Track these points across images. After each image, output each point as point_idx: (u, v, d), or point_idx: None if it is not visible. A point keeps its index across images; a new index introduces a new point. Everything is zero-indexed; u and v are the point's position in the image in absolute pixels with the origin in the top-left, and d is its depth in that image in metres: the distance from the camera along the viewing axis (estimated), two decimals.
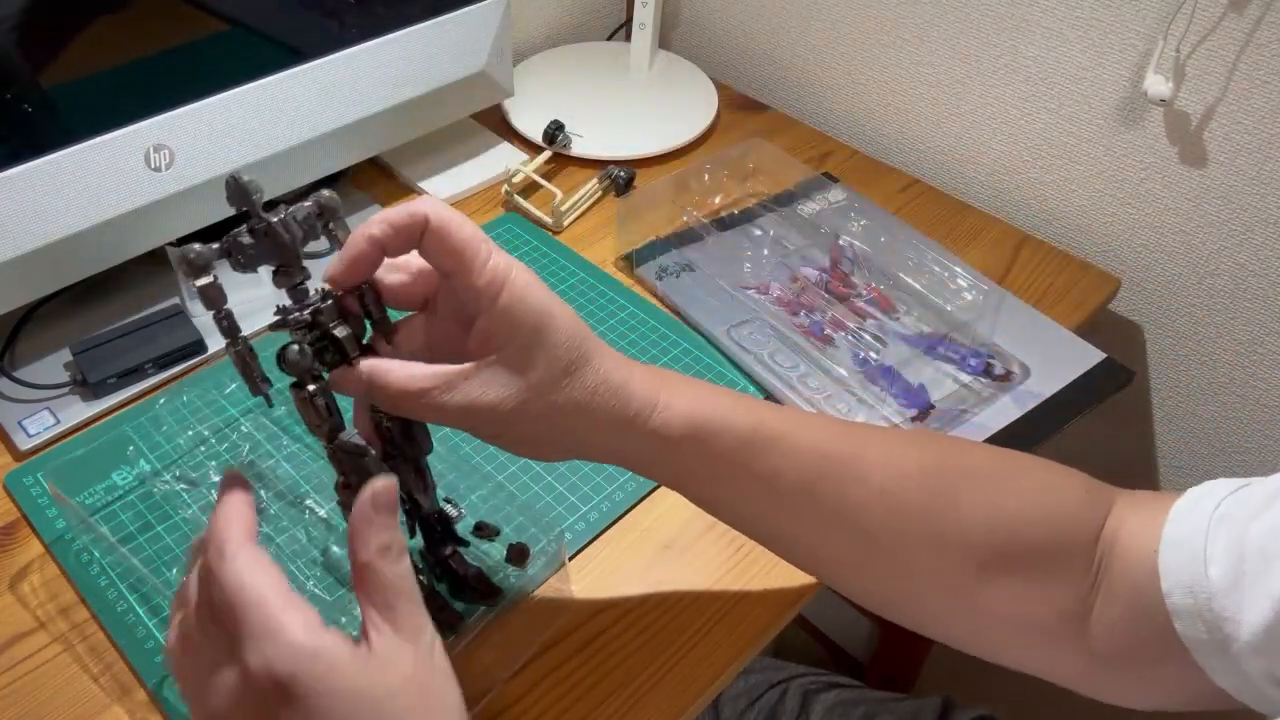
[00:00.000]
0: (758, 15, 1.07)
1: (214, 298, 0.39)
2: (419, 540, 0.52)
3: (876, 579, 0.49)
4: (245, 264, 0.39)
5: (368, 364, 0.42)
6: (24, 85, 0.63)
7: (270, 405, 0.41)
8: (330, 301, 0.41)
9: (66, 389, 0.69)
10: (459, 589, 0.49)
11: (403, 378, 0.42)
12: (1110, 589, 0.45)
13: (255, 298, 0.77)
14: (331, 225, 0.43)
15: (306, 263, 0.42)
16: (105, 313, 0.75)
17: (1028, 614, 0.47)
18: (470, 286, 0.41)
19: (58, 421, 0.68)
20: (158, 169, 0.68)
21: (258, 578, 0.35)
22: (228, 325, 0.40)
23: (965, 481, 0.48)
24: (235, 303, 0.77)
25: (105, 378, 0.69)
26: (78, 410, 0.69)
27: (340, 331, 0.41)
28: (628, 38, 1.07)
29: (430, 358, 0.43)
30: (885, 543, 0.47)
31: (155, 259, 0.77)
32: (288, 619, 0.34)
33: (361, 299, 0.42)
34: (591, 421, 0.44)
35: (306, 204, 0.41)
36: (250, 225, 0.39)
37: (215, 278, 0.39)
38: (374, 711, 0.34)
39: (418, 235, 0.41)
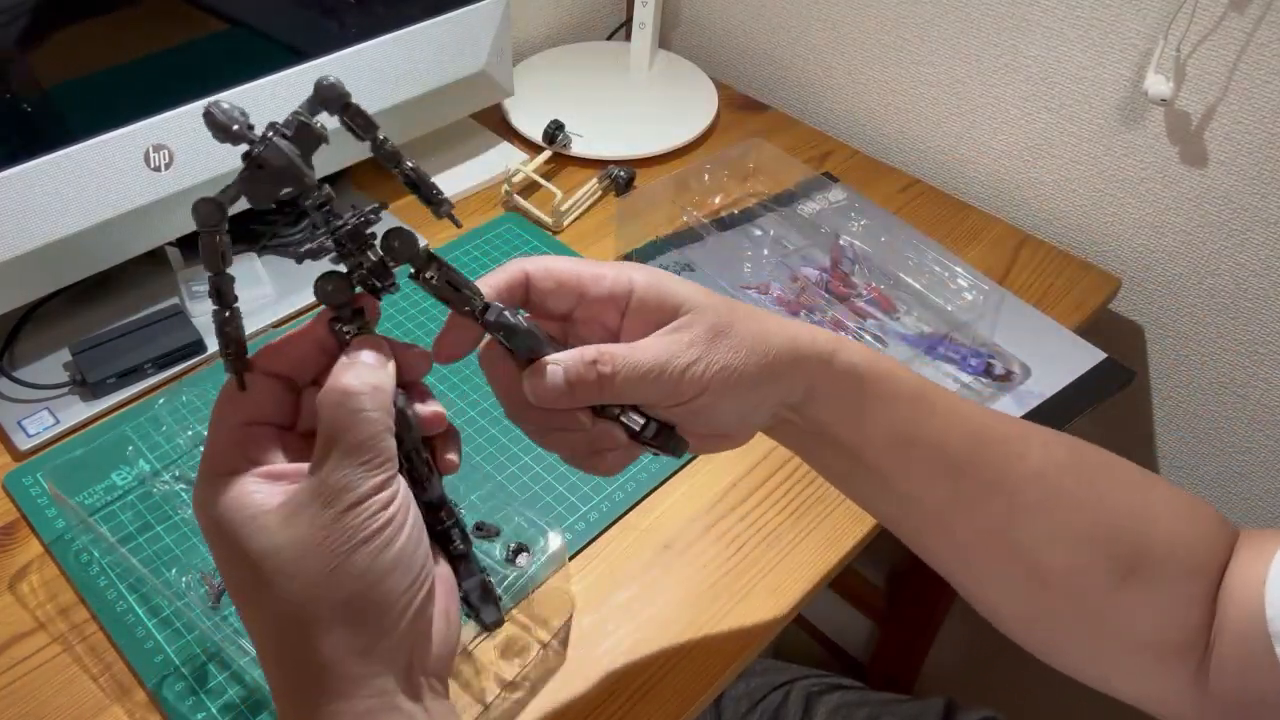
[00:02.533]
0: (758, 15, 1.07)
1: (213, 259, 0.35)
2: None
3: (1010, 571, 0.46)
4: (257, 198, 0.35)
5: (529, 381, 0.39)
6: (24, 85, 0.63)
7: (242, 389, 0.36)
8: (360, 219, 0.37)
9: (66, 389, 0.69)
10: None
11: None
12: (1221, 627, 0.44)
13: (256, 297, 0.77)
14: (347, 115, 0.38)
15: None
16: (105, 313, 0.75)
17: (1154, 633, 0.45)
18: (598, 300, 0.40)
19: (57, 421, 0.68)
20: (157, 169, 0.68)
21: (218, 407, 0.36)
22: (221, 295, 0.36)
23: (1116, 484, 0.46)
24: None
25: (105, 378, 0.69)
26: (77, 410, 0.69)
27: (372, 257, 0.37)
28: (628, 38, 1.07)
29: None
30: (1033, 530, 0.44)
31: (155, 259, 0.77)
32: (210, 450, 0.35)
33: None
34: (772, 362, 0.41)
35: (298, 110, 0.36)
36: (244, 157, 0.35)
37: (224, 238, 0.35)
38: (233, 562, 0.34)
39: (521, 293, 0.40)
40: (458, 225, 0.40)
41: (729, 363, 0.39)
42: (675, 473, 0.68)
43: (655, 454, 0.42)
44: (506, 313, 0.38)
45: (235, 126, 0.34)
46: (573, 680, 0.57)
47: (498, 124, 0.98)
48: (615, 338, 0.41)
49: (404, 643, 0.34)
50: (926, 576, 1.14)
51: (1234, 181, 0.79)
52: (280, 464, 0.35)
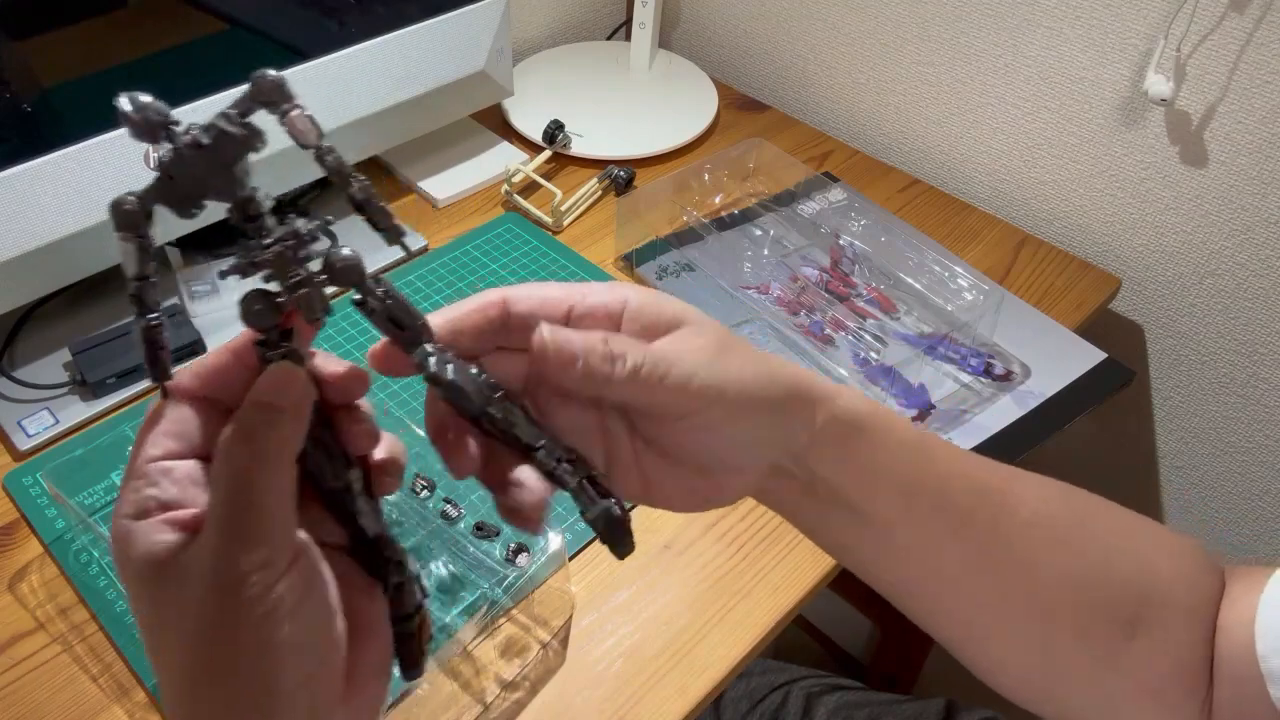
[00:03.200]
0: (758, 15, 1.07)
1: (134, 262, 0.31)
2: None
3: (1017, 624, 0.44)
4: (177, 206, 0.31)
5: (548, 328, 0.35)
6: (24, 85, 0.63)
7: (165, 396, 0.32)
8: (290, 237, 0.33)
9: (66, 389, 0.69)
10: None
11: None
12: (1219, 668, 0.44)
13: None
14: (283, 112, 0.33)
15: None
16: (104, 313, 0.75)
17: (1162, 679, 0.44)
18: (588, 315, 0.37)
19: (57, 421, 0.68)
20: (157, 169, 0.68)
21: (139, 437, 0.32)
22: (141, 300, 0.32)
23: (1111, 529, 0.45)
24: (234, 301, 0.77)
25: (104, 378, 0.69)
26: (77, 410, 0.69)
27: (303, 289, 0.32)
28: (628, 37, 1.07)
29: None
30: (1038, 580, 0.43)
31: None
32: (123, 489, 0.31)
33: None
34: (781, 388, 0.38)
35: (229, 109, 0.32)
36: (160, 160, 0.31)
37: (149, 237, 0.31)
38: (140, 602, 0.31)
39: (496, 315, 0.36)
40: (408, 252, 0.35)
41: (740, 378, 0.36)
42: None
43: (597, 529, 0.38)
44: (434, 360, 0.33)
45: (147, 125, 0.30)
46: (573, 680, 0.56)
47: (498, 124, 0.98)
48: None
49: (318, 716, 0.31)
50: None
51: (1234, 181, 0.79)
52: (188, 511, 0.31)
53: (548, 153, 0.93)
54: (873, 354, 0.75)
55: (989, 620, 0.44)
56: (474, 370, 0.34)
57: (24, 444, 0.66)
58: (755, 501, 0.65)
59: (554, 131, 0.93)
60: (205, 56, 0.71)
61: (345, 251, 0.32)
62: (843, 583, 1.28)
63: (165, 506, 0.31)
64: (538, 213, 0.87)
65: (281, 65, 0.72)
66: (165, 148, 0.31)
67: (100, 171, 0.66)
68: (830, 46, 1.02)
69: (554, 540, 0.58)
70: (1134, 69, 0.81)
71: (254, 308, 0.32)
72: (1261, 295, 0.81)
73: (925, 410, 0.72)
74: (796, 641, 1.44)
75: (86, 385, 0.69)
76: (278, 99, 0.32)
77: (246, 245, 0.32)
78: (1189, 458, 0.93)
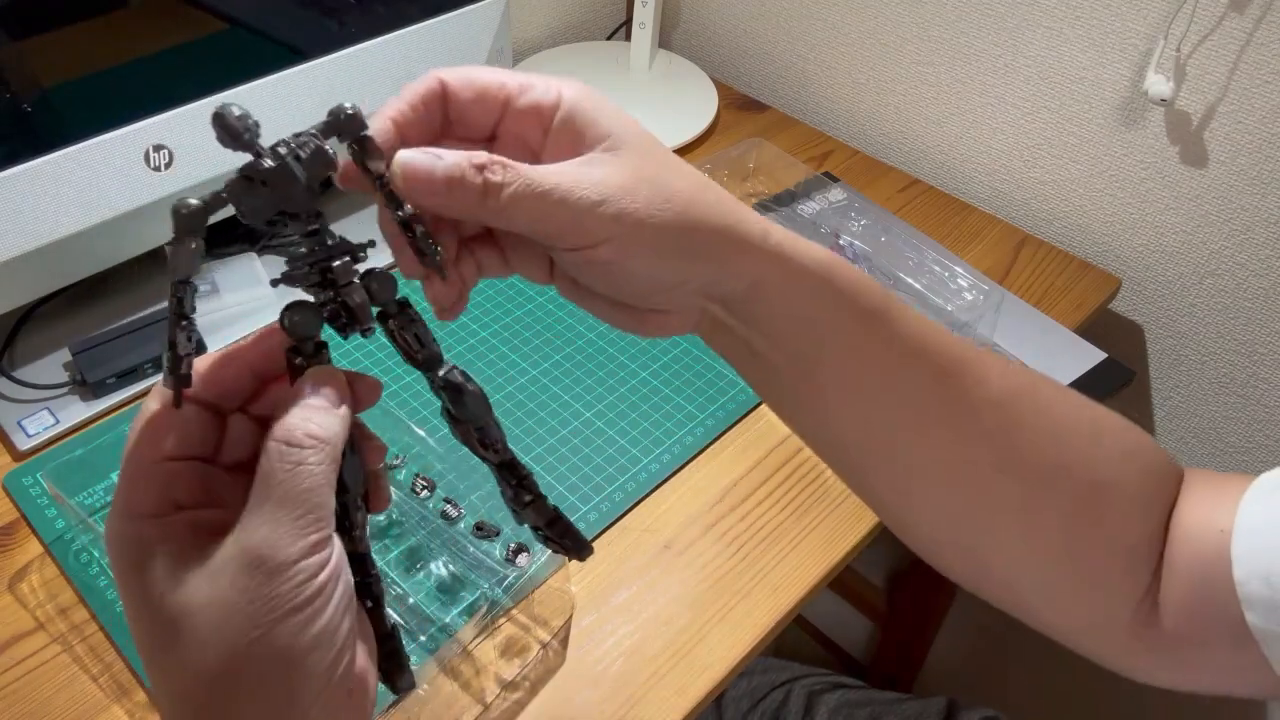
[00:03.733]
0: (758, 15, 1.07)
1: (188, 264, 0.32)
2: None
3: (954, 499, 0.43)
4: (250, 214, 0.32)
5: (404, 154, 0.34)
6: (24, 85, 0.63)
7: (178, 406, 0.32)
8: (345, 259, 0.34)
9: (66, 389, 0.69)
10: (544, 539, 0.42)
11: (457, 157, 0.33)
12: (1172, 565, 0.43)
13: (256, 297, 0.77)
14: (360, 147, 0.35)
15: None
16: (105, 313, 0.75)
17: (1100, 568, 0.44)
18: (523, 112, 0.35)
19: (57, 421, 0.68)
20: (157, 169, 0.68)
21: (136, 439, 0.32)
22: (182, 303, 0.32)
23: (1069, 418, 0.44)
24: (235, 302, 0.77)
25: (104, 378, 0.69)
26: (77, 410, 0.69)
27: (355, 298, 0.34)
28: (628, 37, 1.07)
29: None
30: (987, 457, 0.42)
31: (155, 259, 0.77)
32: (124, 490, 0.31)
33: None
34: (698, 232, 0.35)
35: (312, 131, 0.34)
36: (246, 170, 0.32)
37: (201, 244, 0.32)
38: (149, 613, 0.30)
39: (438, 107, 0.35)
40: (444, 277, 0.36)
41: (643, 215, 0.33)
42: (675, 473, 0.68)
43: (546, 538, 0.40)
44: (457, 371, 0.36)
45: (246, 135, 0.32)
46: (573, 680, 0.56)
47: None
48: (537, 161, 0.35)
49: (326, 714, 0.31)
50: (926, 576, 1.14)
51: (1234, 181, 0.79)
52: (206, 512, 0.32)
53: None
54: None
55: (924, 491, 0.43)
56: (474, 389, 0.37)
57: (24, 444, 0.66)
58: (755, 501, 0.65)
59: None
60: (205, 56, 0.71)
61: (384, 271, 0.34)
62: (843, 583, 1.28)
63: (177, 506, 0.31)
64: None
65: (282, 65, 0.72)
66: (249, 158, 0.32)
67: (100, 171, 0.66)
68: (830, 46, 1.02)
69: None
70: (1134, 69, 0.81)
71: (295, 318, 0.33)
72: (1261, 295, 0.81)
73: None
74: (796, 641, 1.44)
75: (86, 385, 0.69)
76: (355, 130, 0.34)
77: (298, 254, 0.33)
78: (1189, 458, 0.93)
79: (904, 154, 1.01)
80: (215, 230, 0.66)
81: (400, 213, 0.34)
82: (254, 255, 0.80)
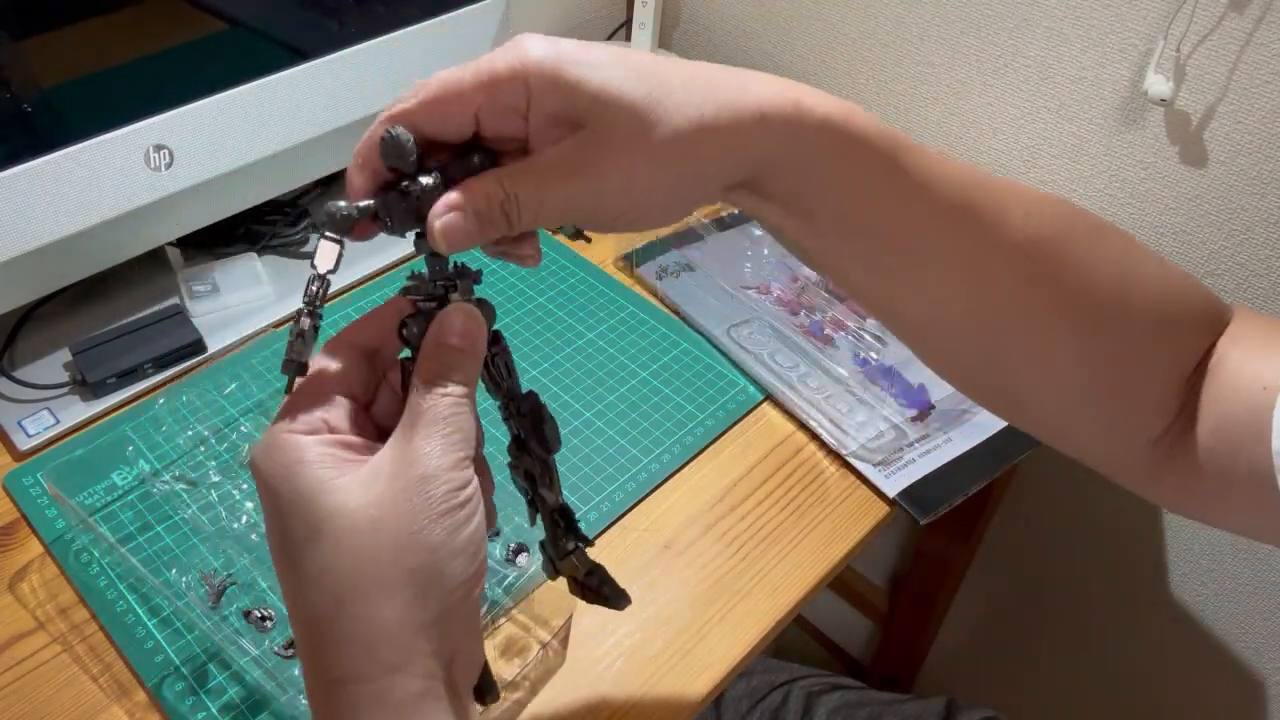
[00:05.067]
0: (758, 15, 1.07)
1: (334, 261, 0.36)
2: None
3: (978, 336, 0.43)
4: (393, 226, 0.36)
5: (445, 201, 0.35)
6: (24, 85, 0.63)
7: (289, 391, 0.36)
8: (463, 281, 0.38)
9: (66, 389, 0.69)
10: (580, 589, 0.44)
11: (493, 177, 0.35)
12: (1208, 407, 0.43)
13: (255, 297, 0.77)
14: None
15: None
16: (105, 313, 0.75)
17: (1123, 393, 0.44)
18: (495, 119, 0.36)
19: (57, 421, 0.68)
20: (157, 169, 0.68)
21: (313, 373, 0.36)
22: (320, 293, 0.36)
23: (1102, 256, 0.44)
24: (235, 301, 0.77)
25: (105, 378, 0.69)
26: (77, 410, 0.69)
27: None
28: (628, 37, 1.07)
29: None
30: (1009, 304, 0.42)
31: (155, 259, 0.77)
32: (289, 408, 0.35)
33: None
34: (700, 156, 0.35)
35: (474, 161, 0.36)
36: (403, 186, 0.35)
37: (344, 245, 0.36)
38: (294, 517, 0.33)
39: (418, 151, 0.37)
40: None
41: (644, 184, 0.35)
42: (675, 473, 0.68)
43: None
44: (537, 399, 0.40)
45: (412, 158, 0.35)
46: (573, 680, 0.57)
47: None
48: (526, 149, 0.36)
49: (456, 630, 0.34)
50: (926, 576, 1.14)
51: (1234, 181, 0.79)
52: (355, 439, 0.35)
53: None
54: (873, 354, 0.75)
55: (947, 328, 0.43)
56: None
57: (24, 444, 0.66)
58: (755, 501, 0.65)
59: None
60: (205, 56, 0.71)
61: (486, 300, 0.38)
62: (843, 583, 1.28)
63: (331, 429, 0.35)
64: None
65: (282, 65, 0.72)
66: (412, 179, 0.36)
67: (100, 171, 0.66)
68: (830, 47, 1.02)
69: None
70: (1134, 69, 0.81)
71: (414, 329, 0.37)
72: (1261, 295, 0.81)
73: (925, 410, 0.72)
74: (796, 641, 1.44)
75: (86, 385, 0.69)
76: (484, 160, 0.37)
77: (428, 277, 0.38)
78: None
79: None
80: (215, 230, 0.67)
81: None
82: (254, 255, 0.80)
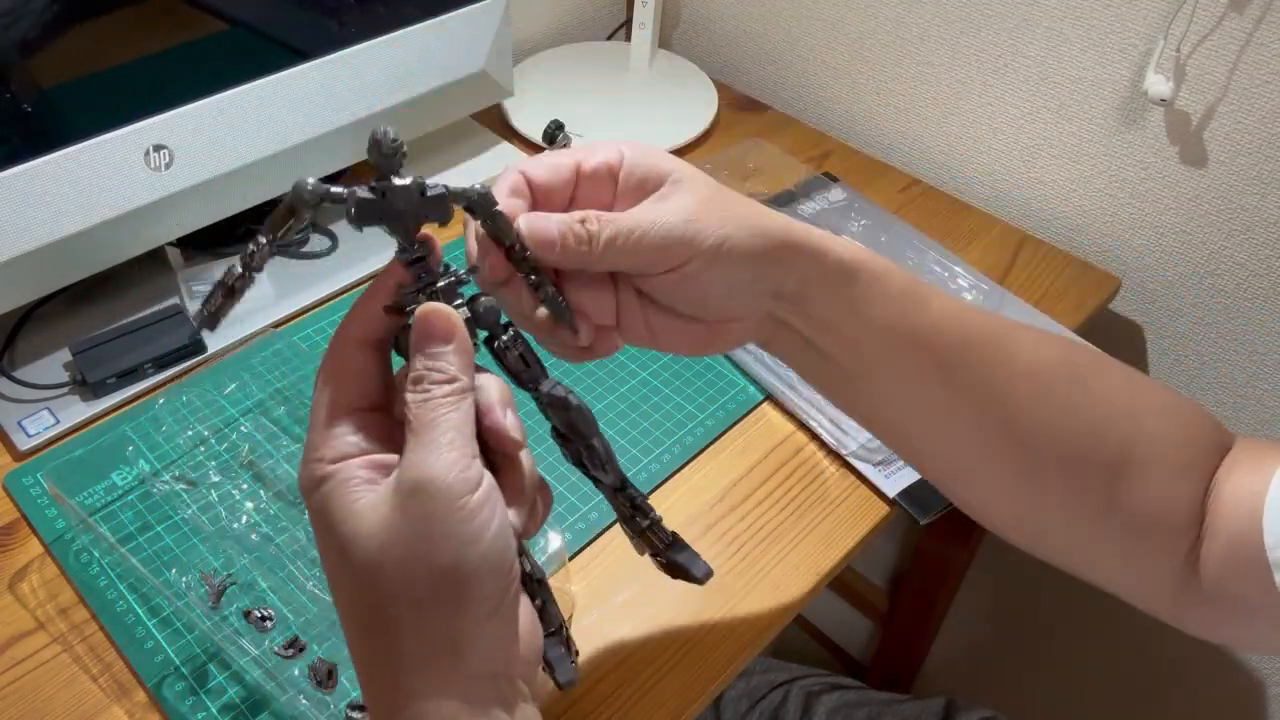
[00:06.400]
0: (758, 15, 1.07)
1: (278, 227, 0.35)
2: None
3: (1000, 471, 0.46)
4: (355, 218, 0.36)
5: (524, 219, 0.39)
6: (24, 85, 0.63)
7: (209, 328, 0.36)
8: (452, 279, 0.38)
9: (66, 389, 0.69)
10: (665, 564, 0.45)
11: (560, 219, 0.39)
12: (1212, 527, 0.45)
13: (255, 297, 0.77)
14: (491, 223, 0.38)
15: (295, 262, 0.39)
16: (105, 313, 0.75)
17: (1141, 530, 0.46)
18: (593, 176, 0.41)
19: (57, 421, 0.68)
20: (157, 169, 0.68)
21: (328, 381, 0.36)
22: (256, 260, 0.35)
23: (1105, 386, 0.47)
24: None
25: (105, 378, 0.69)
26: (77, 410, 0.69)
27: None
28: (628, 38, 1.07)
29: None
30: (1023, 429, 0.45)
31: (155, 259, 0.77)
32: (318, 439, 0.35)
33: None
34: (762, 237, 0.40)
35: (461, 187, 0.37)
36: (372, 182, 0.36)
37: (306, 225, 0.37)
38: (327, 546, 0.35)
39: (526, 194, 0.41)
40: (574, 333, 0.41)
41: (721, 232, 0.39)
42: (675, 472, 0.68)
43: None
44: (560, 387, 0.41)
45: (396, 156, 0.35)
46: None
47: (498, 124, 0.98)
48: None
49: (487, 645, 0.34)
50: (926, 576, 1.14)
51: (1234, 181, 0.79)
52: (385, 455, 0.35)
53: (548, 153, 0.93)
54: None
55: (973, 464, 0.47)
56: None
57: (24, 444, 0.66)
58: (755, 501, 0.65)
59: (554, 132, 0.93)
60: (205, 56, 0.71)
61: (485, 297, 0.38)
62: (843, 583, 1.28)
63: (363, 451, 0.35)
64: None
65: (282, 65, 0.72)
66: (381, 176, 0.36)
67: (100, 171, 0.66)
68: (830, 46, 1.02)
69: (554, 540, 0.58)
70: (1134, 69, 0.81)
71: (403, 343, 0.37)
72: (1261, 295, 0.81)
73: None
74: (796, 641, 1.44)
75: (86, 385, 0.69)
76: (488, 204, 0.38)
77: (420, 278, 0.37)
78: None
79: (904, 154, 1.01)
80: (215, 230, 0.67)
81: (531, 277, 0.39)
82: None
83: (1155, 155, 0.83)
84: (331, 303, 0.79)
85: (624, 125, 0.98)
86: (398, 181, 0.35)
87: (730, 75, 1.13)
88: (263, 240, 0.35)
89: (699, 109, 1.01)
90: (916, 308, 0.44)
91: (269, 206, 0.81)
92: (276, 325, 0.76)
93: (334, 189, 0.34)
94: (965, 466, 0.47)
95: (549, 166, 0.41)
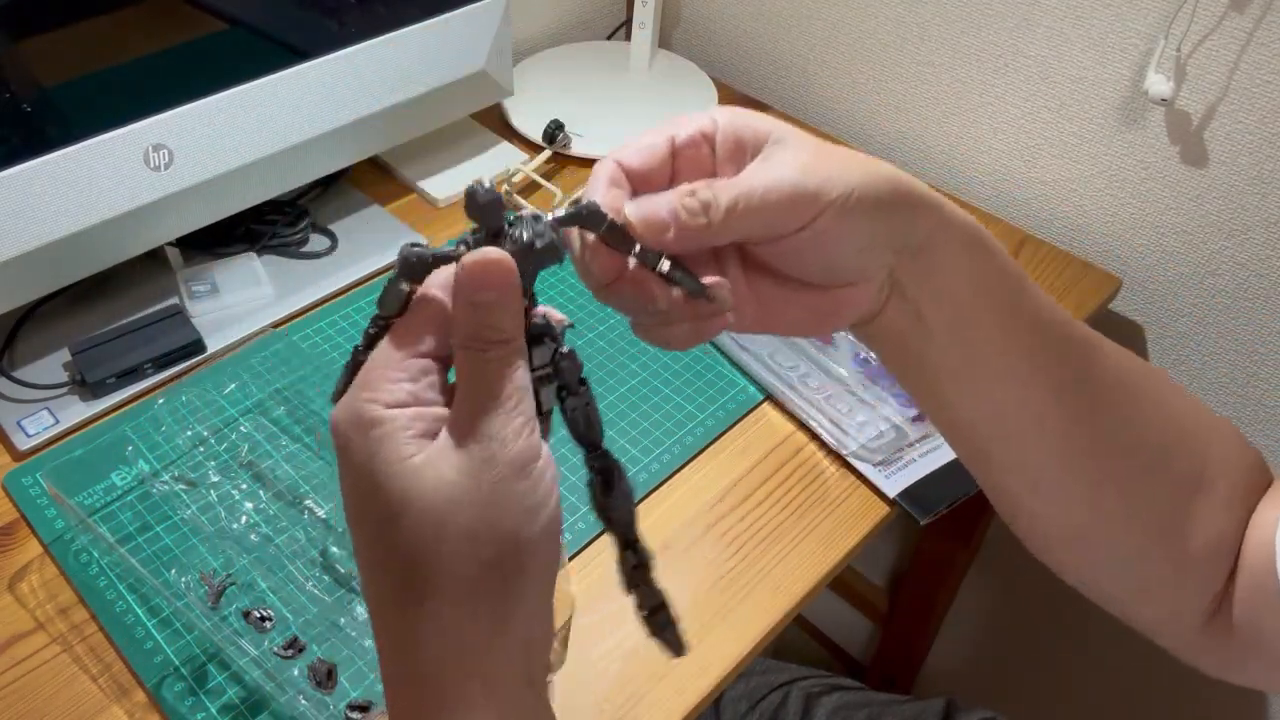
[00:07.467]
0: (758, 15, 1.07)
1: (400, 304, 0.34)
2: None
3: (1079, 475, 0.44)
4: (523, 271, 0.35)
5: (630, 207, 0.36)
6: (24, 85, 0.63)
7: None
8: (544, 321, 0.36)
9: (65, 389, 0.69)
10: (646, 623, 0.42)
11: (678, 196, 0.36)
12: (1241, 562, 0.45)
13: (255, 297, 0.77)
14: (609, 233, 0.36)
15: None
16: (104, 313, 0.75)
17: (1202, 551, 0.45)
18: (688, 147, 0.38)
19: (57, 421, 0.68)
20: (157, 169, 0.68)
21: (388, 337, 0.34)
22: (377, 335, 0.35)
23: (1178, 397, 0.45)
24: (235, 301, 0.77)
25: (104, 378, 0.69)
26: (77, 410, 0.69)
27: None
28: (628, 37, 1.07)
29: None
30: (1114, 431, 0.43)
31: (155, 259, 0.77)
32: (375, 378, 0.33)
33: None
34: (885, 185, 0.37)
35: (567, 213, 0.36)
36: (477, 237, 0.34)
37: (415, 289, 0.34)
38: (370, 500, 0.32)
39: (624, 184, 0.38)
40: (727, 307, 0.37)
41: (848, 179, 0.35)
42: (675, 472, 0.68)
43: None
44: (613, 460, 0.39)
45: (497, 215, 0.34)
46: (573, 680, 0.56)
47: (498, 124, 0.98)
48: None
49: (529, 624, 0.33)
50: (926, 576, 1.14)
51: (1234, 181, 0.79)
52: (441, 408, 0.33)
53: (548, 153, 0.93)
54: (873, 354, 0.75)
55: (1054, 474, 0.44)
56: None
57: (24, 444, 0.66)
58: (755, 501, 0.65)
59: (554, 131, 0.93)
60: (205, 56, 0.71)
61: (565, 349, 0.37)
62: (843, 583, 1.28)
63: (420, 401, 0.33)
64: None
65: (282, 65, 0.72)
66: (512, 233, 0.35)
67: (100, 171, 0.66)
68: (830, 46, 1.02)
69: None
70: (1134, 69, 0.81)
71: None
72: (1261, 295, 0.81)
73: None
74: (796, 641, 1.44)
75: (86, 385, 0.69)
76: (598, 221, 0.36)
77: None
78: None
79: (904, 154, 1.01)
80: (215, 230, 0.67)
81: (662, 272, 0.36)
82: (254, 255, 0.80)
83: (1156, 155, 0.83)
84: (331, 303, 0.79)
85: (624, 125, 0.98)
86: (512, 243, 0.34)
87: (730, 75, 1.13)
88: (376, 325, 0.34)
89: (699, 109, 1.01)
90: (1026, 293, 0.41)
91: (269, 206, 0.81)
92: (276, 325, 0.76)
93: (443, 251, 0.33)
94: (1044, 476, 0.44)
95: (642, 148, 0.38)
